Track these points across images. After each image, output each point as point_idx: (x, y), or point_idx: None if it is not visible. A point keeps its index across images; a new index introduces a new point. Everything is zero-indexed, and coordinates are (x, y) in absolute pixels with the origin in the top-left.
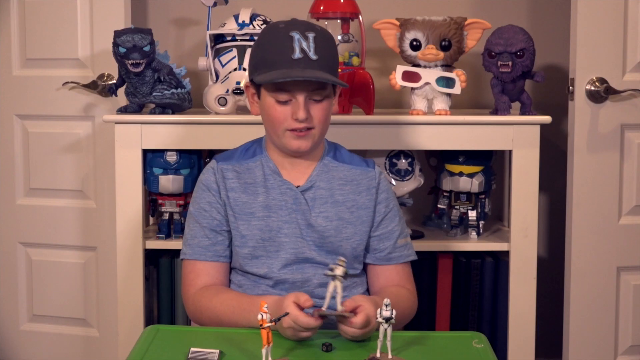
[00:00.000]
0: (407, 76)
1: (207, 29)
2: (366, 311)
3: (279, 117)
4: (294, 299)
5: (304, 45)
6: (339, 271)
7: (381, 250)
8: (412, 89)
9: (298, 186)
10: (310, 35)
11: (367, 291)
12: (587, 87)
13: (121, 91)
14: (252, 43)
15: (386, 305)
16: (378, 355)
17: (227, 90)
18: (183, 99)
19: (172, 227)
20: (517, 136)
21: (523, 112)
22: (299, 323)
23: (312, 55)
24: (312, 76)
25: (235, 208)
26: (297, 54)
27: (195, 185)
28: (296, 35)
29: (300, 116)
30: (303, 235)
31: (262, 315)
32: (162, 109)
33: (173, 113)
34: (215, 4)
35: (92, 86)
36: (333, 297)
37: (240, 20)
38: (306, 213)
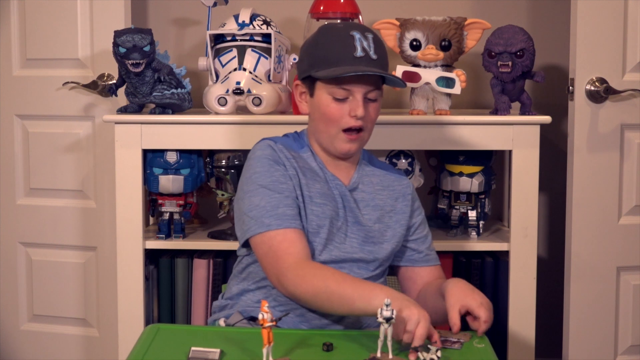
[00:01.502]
0: (407, 76)
1: (207, 29)
2: (483, 306)
3: (335, 114)
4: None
5: (365, 44)
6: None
7: (420, 252)
8: (412, 89)
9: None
10: (370, 36)
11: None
12: (587, 87)
13: (121, 91)
14: (252, 43)
15: (386, 305)
16: (379, 355)
17: (227, 90)
18: (183, 99)
19: (172, 227)
20: (517, 136)
21: (523, 112)
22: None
23: (373, 54)
24: (381, 72)
25: (301, 188)
26: (360, 52)
27: (253, 161)
28: (357, 35)
29: (359, 113)
30: (347, 232)
31: (262, 315)
32: (162, 109)
33: (173, 113)
34: (215, 4)
35: (92, 86)
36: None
37: (240, 20)
38: (355, 210)
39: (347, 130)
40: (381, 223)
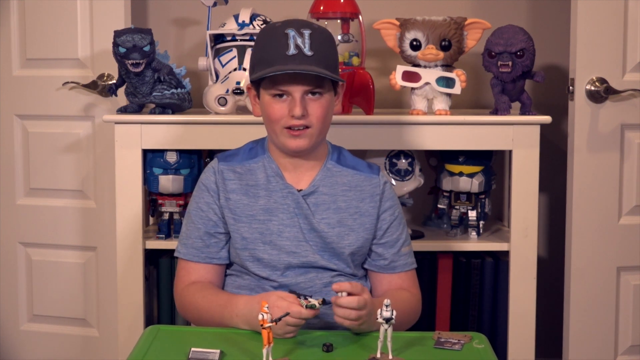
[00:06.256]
0: (407, 76)
1: (207, 29)
2: (362, 298)
3: (276, 114)
4: (280, 298)
5: (299, 41)
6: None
7: (385, 258)
8: (412, 89)
9: (300, 190)
10: (306, 32)
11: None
12: (587, 87)
13: (121, 91)
14: (252, 43)
15: (386, 306)
16: (378, 355)
17: (227, 90)
18: (183, 99)
19: (172, 227)
20: (517, 136)
21: (523, 112)
22: (295, 314)
23: (307, 51)
24: (304, 69)
25: (236, 210)
26: (292, 50)
27: (197, 184)
28: (291, 32)
29: (296, 112)
30: (306, 238)
31: (262, 315)
32: (162, 109)
33: (173, 113)
34: (215, 4)
35: (92, 86)
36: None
37: (240, 20)
38: (309, 217)
39: (289, 127)
40: (342, 227)
